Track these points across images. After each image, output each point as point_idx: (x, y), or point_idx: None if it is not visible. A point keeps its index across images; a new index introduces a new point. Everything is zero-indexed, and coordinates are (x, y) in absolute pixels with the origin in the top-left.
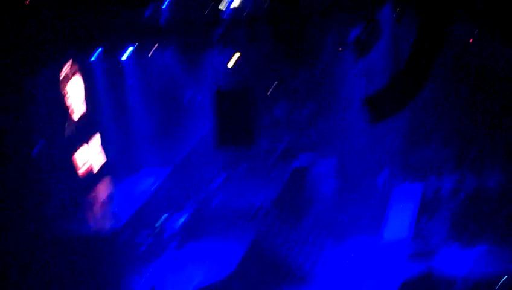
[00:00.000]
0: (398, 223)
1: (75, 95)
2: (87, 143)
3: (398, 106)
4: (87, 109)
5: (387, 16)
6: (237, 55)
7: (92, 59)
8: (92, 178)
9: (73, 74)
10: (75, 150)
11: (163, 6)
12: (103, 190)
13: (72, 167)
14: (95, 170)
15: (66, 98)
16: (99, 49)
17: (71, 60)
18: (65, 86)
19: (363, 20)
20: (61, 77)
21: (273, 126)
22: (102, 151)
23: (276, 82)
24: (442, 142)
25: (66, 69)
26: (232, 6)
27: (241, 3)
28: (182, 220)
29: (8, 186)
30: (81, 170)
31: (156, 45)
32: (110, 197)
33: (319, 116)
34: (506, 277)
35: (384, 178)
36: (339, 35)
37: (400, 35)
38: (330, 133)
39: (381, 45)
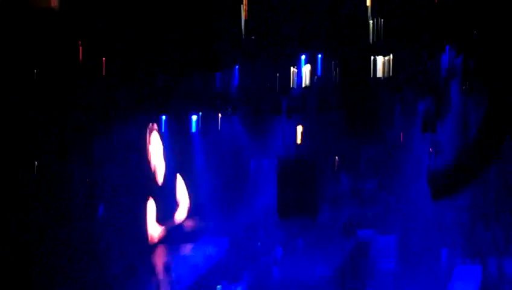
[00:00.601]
0: None
1: (142, 160)
2: (149, 209)
3: (464, 183)
4: (151, 174)
5: (456, 90)
6: (304, 124)
7: (159, 124)
8: (151, 244)
9: (140, 139)
10: (137, 215)
11: (233, 74)
12: (161, 256)
13: (132, 232)
14: (155, 236)
15: (132, 162)
16: (165, 116)
17: (138, 125)
18: (133, 150)
19: (432, 93)
20: (128, 141)
21: (337, 198)
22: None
23: (341, 154)
24: (504, 222)
25: (133, 133)
26: (301, 76)
27: (311, 73)
28: None
29: (71, 248)
30: (141, 235)
31: (224, 112)
32: (167, 264)
33: (383, 190)
34: None
35: (445, 257)
36: (407, 109)
37: (469, 110)
38: (393, 209)
39: (449, 119)
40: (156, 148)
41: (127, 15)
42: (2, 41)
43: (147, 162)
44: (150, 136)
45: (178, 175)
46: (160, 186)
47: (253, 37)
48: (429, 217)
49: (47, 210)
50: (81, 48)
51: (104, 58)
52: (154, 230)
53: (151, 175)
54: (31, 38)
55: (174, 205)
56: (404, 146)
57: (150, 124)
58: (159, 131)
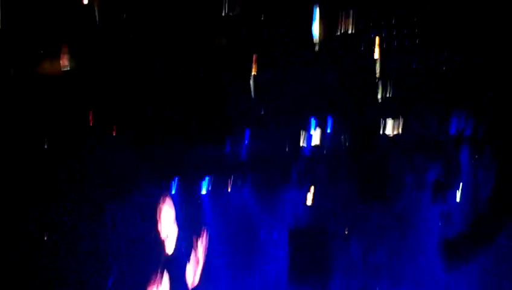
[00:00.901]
0: None
1: (152, 226)
2: (162, 275)
3: (475, 251)
4: (162, 240)
5: (466, 158)
6: (314, 192)
7: (170, 191)
8: None
9: (152, 205)
10: (149, 281)
11: (243, 141)
12: None
13: None
14: None
15: (143, 228)
16: (176, 181)
17: (149, 191)
18: (143, 216)
19: (442, 163)
20: (138, 207)
21: (347, 267)
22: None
23: (352, 222)
24: None
25: (144, 199)
26: (312, 144)
27: (321, 141)
28: None
29: None
30: None
31: (234, 180)
32: None
33: (393, 259)
34: None
35: None
36: (418, 176)
37: (479, 179)
38: (403, 278)
39: (460, 188)
40: (168, 215)
41: (138, 80)
42: (8, 108)
43: (159, 229)
44: (162, 203)
45: (193, 240)
46: (172, 253)
47: (262, 112)
48: (441, 287)
49: (54, 280)
50: (91, 112)
51: (114, 124)
52: None
53: (163, 242)
54: (38, 104)
55: (184, 271)
56: (414, 217)
57: (162, 197)
58: (171, 197)
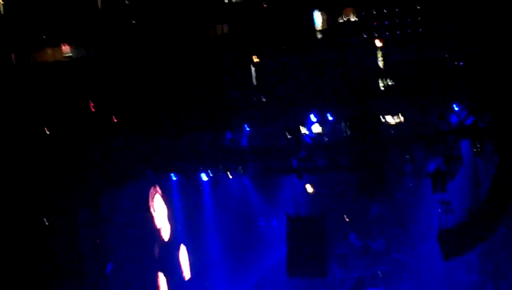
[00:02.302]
0: None
1: (154, 215)
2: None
3: (474, 242)
4: (163, 229)
5: (467, 149)
6: (313, 183)
7: (172, 179)
8: None
9: (153, 195)
10: (147, 269)
11: (244, 131)
12: None
13: (143, 286)
14: None
15: (143, 219)
16: (178, 171)
17: (151, 181)
18: (144, 205)
19: (443, 152)
20: (139, 197)
21: (348, 255)
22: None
23: (350, 212)
24: None
25: (146, 189)
26: (313, 132)
27: (322, 129)
28: None
29: None
30: None
31: (234, 170)
32: None
33: (392, 249)
34: None
35: None
36: (418, 166)
37: (480, 169)
38: (402, 267)
39: (460, 179)
40: (160, 210)
41: (137, 73)
42: (9, 97)
43: (153, 222)
44: (153, 199)
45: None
46: (166, 246)
47: (263, 99)
48: (439, 276)
49: (56, 266)
50: (91, 103)
51: (113, 116)
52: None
53: (157, 234)
54: (38, 93)
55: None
56: (414, 205)
57: (153, 188)
58: (164, 193)
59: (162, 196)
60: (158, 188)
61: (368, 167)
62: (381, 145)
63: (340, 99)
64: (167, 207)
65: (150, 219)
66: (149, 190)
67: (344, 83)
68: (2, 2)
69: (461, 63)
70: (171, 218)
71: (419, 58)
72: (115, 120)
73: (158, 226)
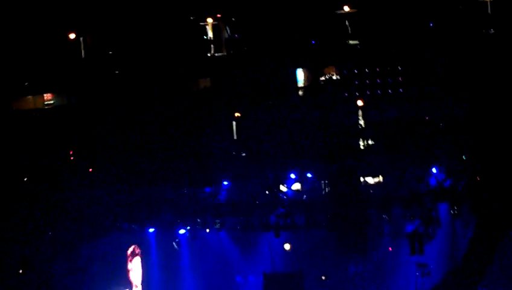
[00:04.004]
0: None
1: (131, 267)
2: None
3: None
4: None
5: (445, 212)
6: (291, 241)
7: (149, 231)
8: None
9: (133, 254)
10: None
11: (224, 186)
12: None
13: None
14: None
15: (119, 271)
16: (155, 224)
17: (129, 233)
18: (122, 256)
19: (421, 214)
20: (117, 249)
21: None
22: None
23: (329, 269)
24: None
25: (123, 241)
26: (292, 188)
27: (301, 187)
28: None
29: None
30: None
31: (212, 226)
32: None
33: None
34: None
35: None
36: (396, 227)
37: (457, 232)
38: None
39: (438, 240)
40: (137, 268)
41: (119, 123)
42: None
43: (128, 277)
44: (132, 258)
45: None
46: None
47: (243, 154)
48: None
49: None
50: (71, 151)
51: (91, 167)
52: None
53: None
54: (18, 140)
55: None
56: (391, 266)
57: (132, 247)
58: (141, 253)
59: (141, 256)
60: (137, 248)
61: (346, 225)
62: (360, 204)
63: (320, 157)
64: (143, 262)
65: (126, 273)
66: (127, 244)
67: (324, 140)
68: None
69: (441, 125)
70: (147, 271)
71: (399, 118)
72: (90, 170)
73: (134, 282)
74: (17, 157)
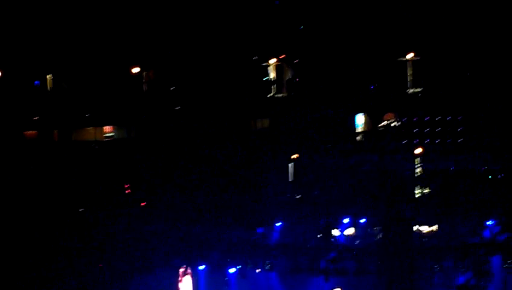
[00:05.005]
0: None
1: None
2: None
3: None
4: None
5: (497, 265)
6: (341, 284)
7: (201, 268)
8: None
9: (183, 275)
10: None
11: (276, 227)
12: None
13: None
14: None
15: None
16: (206, 262)
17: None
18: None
19: (473, 266)
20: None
21: None
22: None
23: None
24: None
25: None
26: (345, 234)
27: (354, 232)
28: None
29: None
30: None
31: (263, 263)
32: None
33: None
34: None
35: None
36: (447, 278)
37: (508, 285)
38: None
39: None
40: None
41: (177, 160)
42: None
43: None
44: (182, 279)
45: None
46: None
47: (298, 196)
48: None
49: None
50: (128, 185)
51: (145, 202)
52: None
53: None
54: (76, 170)
55: None
56: None
57: (184, 268)
58: (199, 274)
59: (192, 277)
60: (189, 269)
61: (396, 273)
62: (412, 253)
63: (375, 204)
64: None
65: None
66: (177, 275)
67: (380, 187)
68: (51, 77)
69: (499, 177)
70: None
71: (456, 168)
72: (143, 204)
73: None
74: (75, 187)
